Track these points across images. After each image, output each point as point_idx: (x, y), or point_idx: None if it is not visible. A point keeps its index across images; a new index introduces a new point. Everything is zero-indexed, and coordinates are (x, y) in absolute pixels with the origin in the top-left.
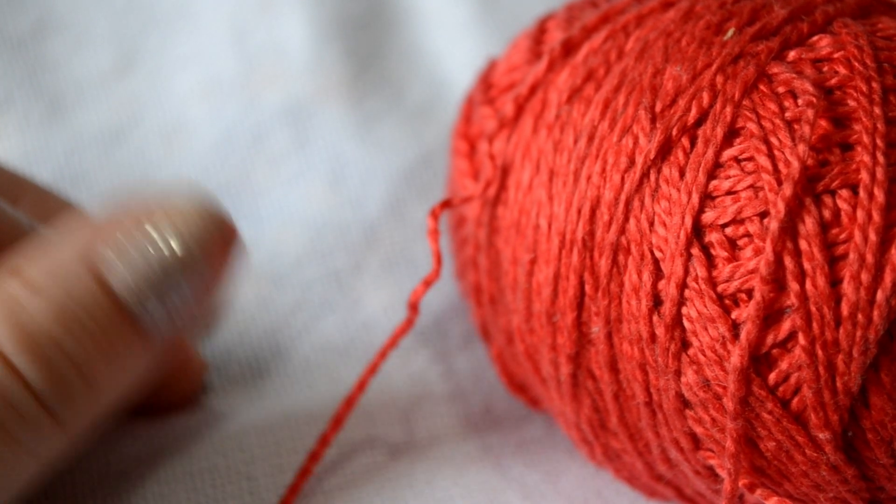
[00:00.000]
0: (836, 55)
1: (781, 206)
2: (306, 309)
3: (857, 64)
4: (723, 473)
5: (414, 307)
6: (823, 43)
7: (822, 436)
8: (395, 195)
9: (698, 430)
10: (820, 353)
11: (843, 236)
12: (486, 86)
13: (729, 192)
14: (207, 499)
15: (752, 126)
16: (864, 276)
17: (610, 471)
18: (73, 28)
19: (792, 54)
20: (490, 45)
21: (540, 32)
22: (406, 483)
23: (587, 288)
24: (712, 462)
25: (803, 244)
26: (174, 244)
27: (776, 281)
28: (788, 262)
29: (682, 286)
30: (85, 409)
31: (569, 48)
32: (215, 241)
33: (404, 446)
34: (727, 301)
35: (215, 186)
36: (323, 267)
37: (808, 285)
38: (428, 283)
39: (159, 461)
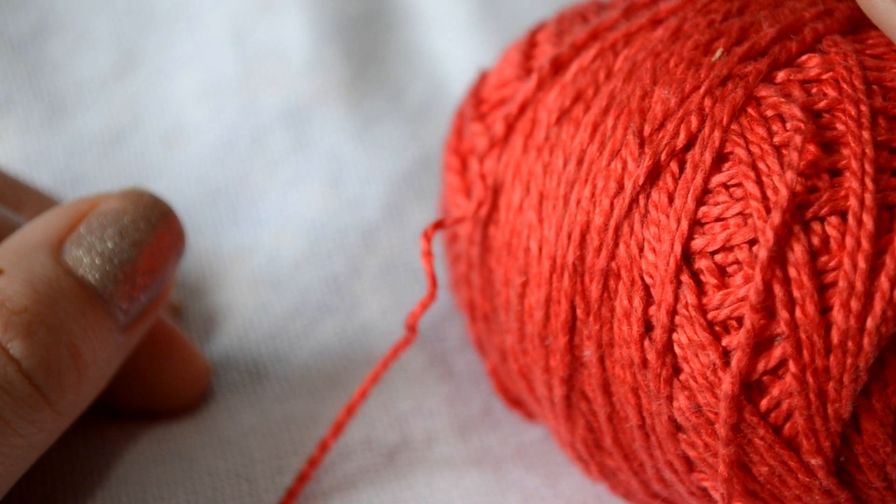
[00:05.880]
0: (824, 76)
1: (770, 234)
2: (305, 313)
3: (845, 86)
4: (716, 496)
5: (412, 328)
6: (812, 63)
7: (815, 461)
8: (393, 198)
9: (691, 453)
10: (811, 380)
11: (832, 264)
12: (477, 101)
13: (718, 219)
14: (207, 500)
15: (740, 151)
16: (854, 304)
17: (606, 486)
18: (72, 30)
19: (780, 75)
20: (489, 46)
21: (530, 46)
22: (406, 485)
23: (578, 312)
24: (706, 484)
25: (792, 272)
26: (125, 228)
27: (766, 308)
28: (778, 289)
29: (673, 313)
30: (74, 389)
31: (558, 66)
32: (160, 222)
33: (403, 448)
34: (717, 328)
35: (214, 188)
36: (321, 271)
37: (798, 313)
38: (425, 306)
39: (159, 464)
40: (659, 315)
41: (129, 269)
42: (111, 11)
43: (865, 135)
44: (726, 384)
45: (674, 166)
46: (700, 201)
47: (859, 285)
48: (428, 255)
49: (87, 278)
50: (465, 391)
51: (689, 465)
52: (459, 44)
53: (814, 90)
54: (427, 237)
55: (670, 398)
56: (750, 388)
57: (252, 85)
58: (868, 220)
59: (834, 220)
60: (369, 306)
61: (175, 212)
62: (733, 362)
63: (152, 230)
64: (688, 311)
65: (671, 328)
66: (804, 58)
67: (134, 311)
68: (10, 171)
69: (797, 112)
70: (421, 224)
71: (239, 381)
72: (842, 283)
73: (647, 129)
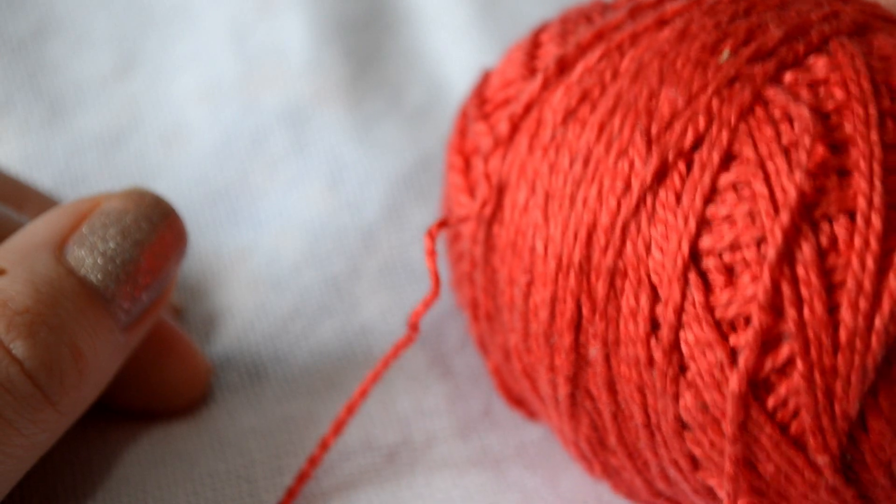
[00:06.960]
0: (832, 77)
1: (779, 233)
2: (304, 314)
3: (853, 87)
4: (722, 494)
5: (414, 327)
6: (819, 64)
7: (821, 459)
8: (393, 198)
9: (697, 451)
10: (818, 378)
11: (840, 263)
12: (481, 100)
13: (726, 218)
14: (207, 501)
15: (748, 151)
16: (862, 303)
17: (609, 485)
18: (72, 30)
19: (788, 76)
20: (489, 47)
21: (534, 46)
22: (405, 485)
23: (584, 311)
24: (712, 482)
25: (801, 271)
26: (127, 228)
27: (774, 307)
28: (786, 288)
29: (680, 311)
30: (76, 389)
31: (563, 66)
32: (162, 222)
33: (403, 448)
34: (725, 327)
35: (214, 189)
36: (321, 272)
37: (806, 312)
38: (427, 304)
39: (160, 465)
40: (666, 313)
41: (131, 269)
42: (111, 11)
43: (874, 135)
44: (733, 382)
45: (681, 166)
46: (708, 200)
47: (867, 284)
48: (432, 253)
49: (89, 278)
50: (465, 390)
51: (695, 463)
52: (459, 45)
53: (821, 91)
54: (431, 236)
55: (676, 396)
56: (757, 387)
57: (252, 85)
58: (876, 220)
59: (842, 219)
60: (369, 307)
61: (176, 211)
62: (741, 361)
63: (154, 230)
64: (695, 309)
65: (678, 327)
66: (811, 59)
67: (136, 310)
68: (10, 171)
69: (806, 113)
70: (421, 225)
71: (239, 381)
72: (850, 283)
73: (654, 129)
